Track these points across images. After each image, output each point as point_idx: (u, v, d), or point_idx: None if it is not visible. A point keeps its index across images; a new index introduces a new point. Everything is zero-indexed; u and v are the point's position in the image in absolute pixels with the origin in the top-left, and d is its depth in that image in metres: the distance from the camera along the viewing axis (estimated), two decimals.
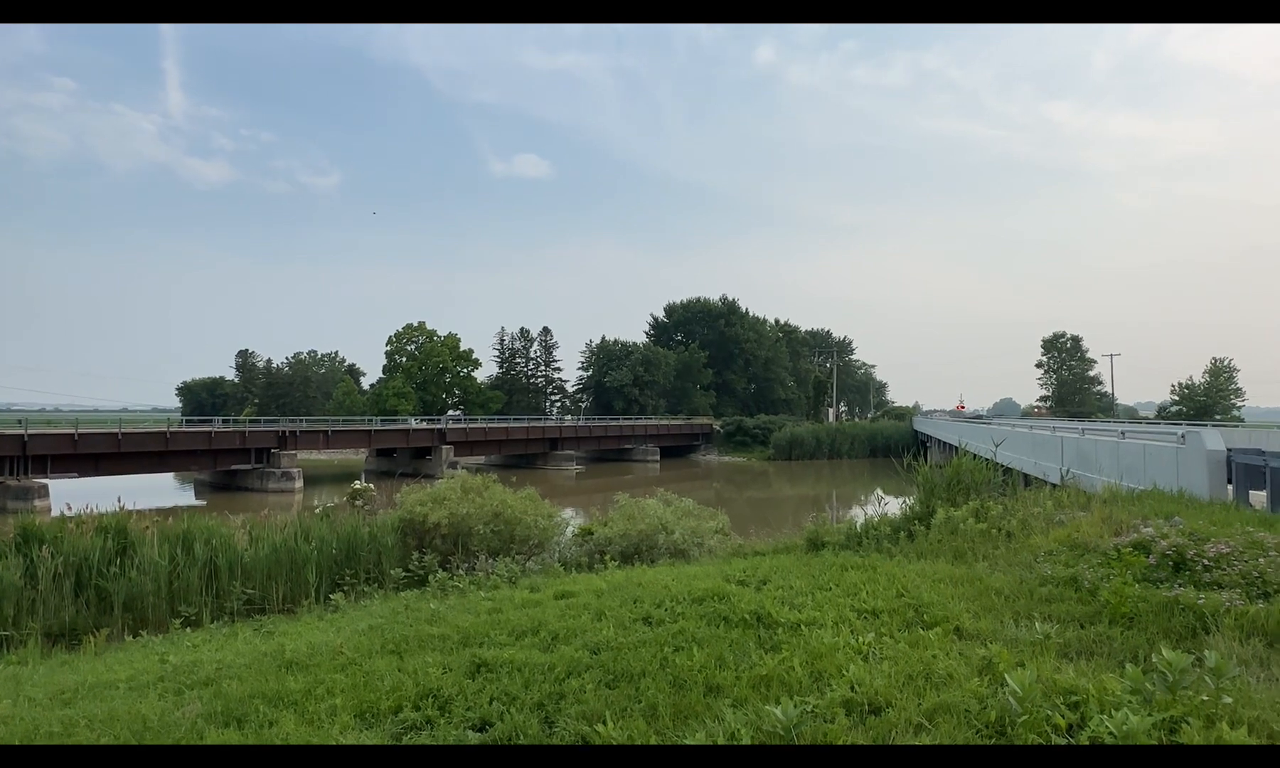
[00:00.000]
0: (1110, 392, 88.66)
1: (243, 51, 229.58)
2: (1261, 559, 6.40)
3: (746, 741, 3.72)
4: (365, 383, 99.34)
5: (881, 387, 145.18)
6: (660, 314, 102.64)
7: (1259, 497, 12.02)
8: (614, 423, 76.43)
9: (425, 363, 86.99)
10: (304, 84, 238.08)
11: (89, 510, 13.46)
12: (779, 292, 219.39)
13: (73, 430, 41.68)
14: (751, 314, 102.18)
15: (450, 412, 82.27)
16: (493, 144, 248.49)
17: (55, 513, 16.91)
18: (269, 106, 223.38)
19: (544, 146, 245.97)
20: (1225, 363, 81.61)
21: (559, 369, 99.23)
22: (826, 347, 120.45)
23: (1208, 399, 78.42)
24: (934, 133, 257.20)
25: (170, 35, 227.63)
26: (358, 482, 21.37)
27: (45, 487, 37.58)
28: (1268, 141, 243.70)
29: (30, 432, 39.63)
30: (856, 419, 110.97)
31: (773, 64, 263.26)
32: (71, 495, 18.96)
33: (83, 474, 40.99)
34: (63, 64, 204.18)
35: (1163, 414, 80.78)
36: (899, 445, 63.91)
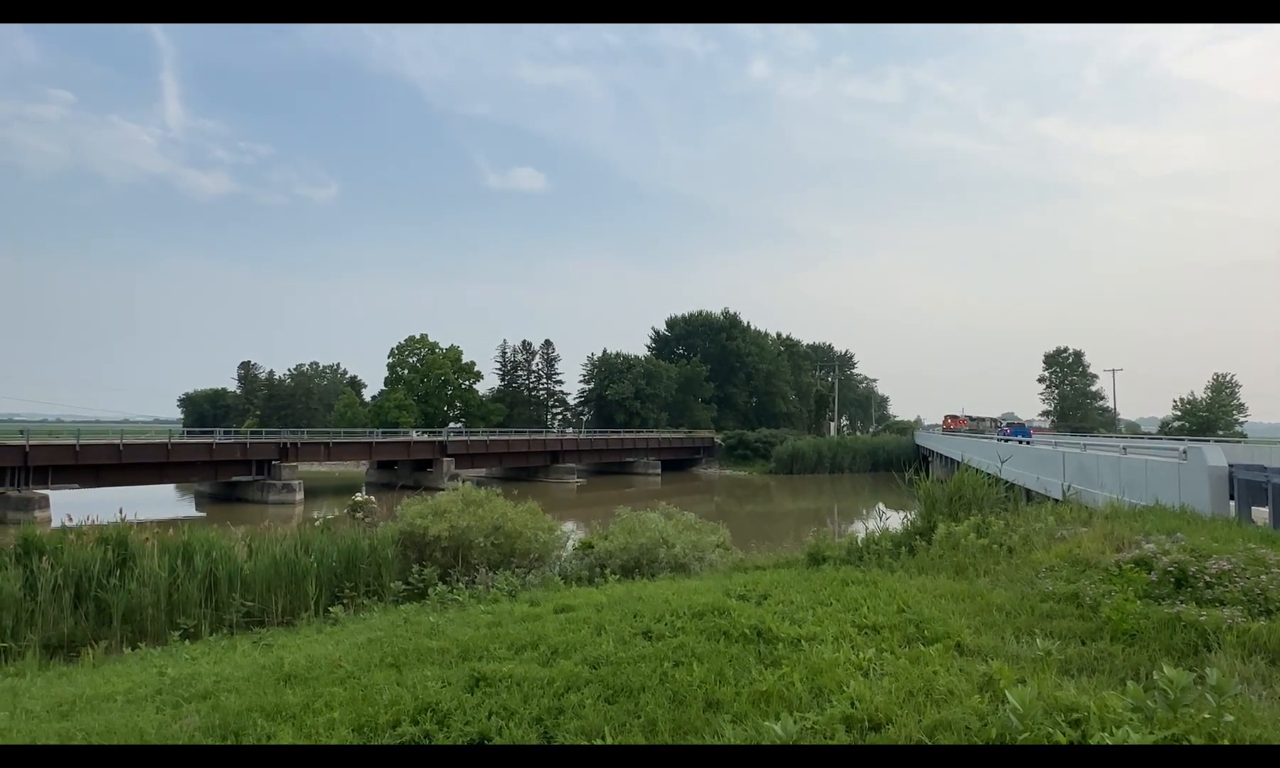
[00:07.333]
0: (1113, 406, 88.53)
1: (239, 64, 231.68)
2: (1263, 576, 6.37)
3: None
4: (367, 395, 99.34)
5: (883, 401, 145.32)
6: (662, 327, 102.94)
7: (1261, 513, 11.97)
8: (615, 436, 76.32)
9: (427, 375, 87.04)
10: (300, 97, 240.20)
11: (89, 522, 13.45)
12: (780, 305, 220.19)
13: (74, 441, 41.71)
14: (753, 328, 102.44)
15: (451, 425, 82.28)
16: (488, 157, 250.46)
17: (56, 524, 16.90)
18: (266, 119, 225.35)
19: (540, 160, 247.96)
20: (1227, 378, 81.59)
21: (560, 382, 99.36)
22: (828, 361, 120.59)
23: (1210, 414, 78.29)
24: (928, 147, 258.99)
25: (167, 47, 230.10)
26: (358, 494, 21.38)
27: (46, 497, 37.57)
28: (1257, 156, 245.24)
29: (32, 442, 39.65)
30: (858, 433, 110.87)
31: (766, 79, 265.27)
32: (72, 506, 18.95)
33: (84, 485, 40.97)
34: (59, 76, 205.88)
35: (1165, 429, 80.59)
36: (900, 460, 63.78)
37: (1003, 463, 19.08)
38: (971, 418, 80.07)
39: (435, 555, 12.87)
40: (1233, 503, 12.54)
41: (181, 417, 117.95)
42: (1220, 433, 68.64)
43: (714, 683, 4.92)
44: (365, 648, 6.68)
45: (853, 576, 8.68)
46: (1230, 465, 12.86)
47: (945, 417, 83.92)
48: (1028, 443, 32.29)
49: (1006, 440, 39.33)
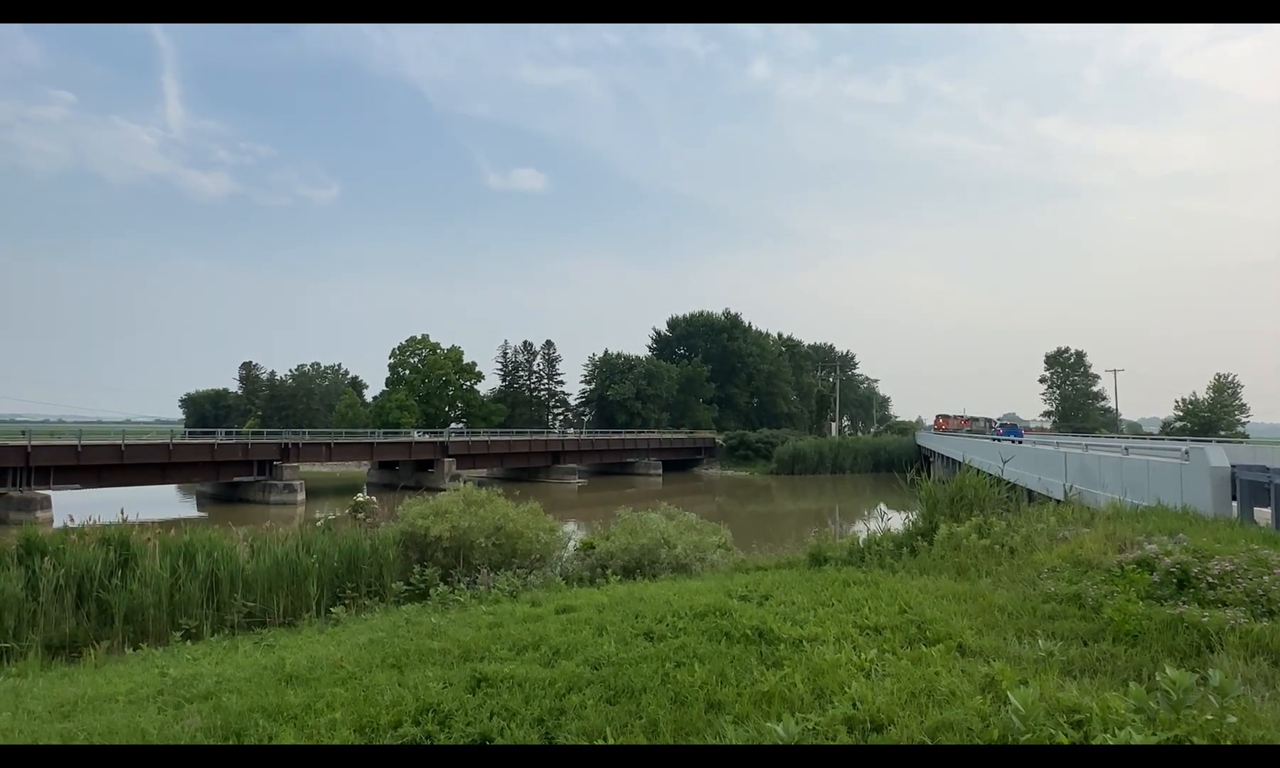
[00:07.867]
0: (1114, 407, 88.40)
1: (239, 64, 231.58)
2: (1266, 577, 6.35)
3: None
4: (368, 395, 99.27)
5: (884, 401, 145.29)
6: (663, 327, 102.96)
7: (1263, 514, 11.95)
8: (616, 436, 76.32)
9: (428, 376, 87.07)
10: (300, 97, 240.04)
11: (91, 522, 13.46)
12: (780, 305, 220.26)
13: (76, 442, 41.74)
14: (754, 328, 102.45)
15: (453, 425, 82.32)
16: (489, 157, 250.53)
17: (58, 524, 16.91)
18: (267, 120, 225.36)
19: (541, 160, 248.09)
20: (1229, 379, 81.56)
21: (561, 382, 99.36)
22: (829, 361, 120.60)
23: (1212, 415, 78.30)
24: (928, 148, 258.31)
25: (168, 48, 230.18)
26: (360, 494, 21.41)
27: (48, 498, 37.59)
28: (1257, 156, 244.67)
29: (34, 443, 39.68)
30: (859, 434, 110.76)
31: (766, 79, 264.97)
32: (74, 507, 18.96)
33: (85, 486, 41.01)
34: (61, 77, 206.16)
35: (1167, 430, 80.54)
36: (902, 460, 63.68)
37: (1004, 464, 19.05)
38: (971, 418, 79.81)
39: (437, 556, 12.87)
40: (1235, 504, 12.52)
41: (183, 417, 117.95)
42: (1222, 433, 68.63)
43: (716, 684, 4.92)
44: (367, 649, 6.69)
45: (854, 576, 8.67)
46: (1233, 466, 12.84)
47: (936, 416, 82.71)
48: (1019, 443, 34.51)
49: (998, 440, 42.74)
